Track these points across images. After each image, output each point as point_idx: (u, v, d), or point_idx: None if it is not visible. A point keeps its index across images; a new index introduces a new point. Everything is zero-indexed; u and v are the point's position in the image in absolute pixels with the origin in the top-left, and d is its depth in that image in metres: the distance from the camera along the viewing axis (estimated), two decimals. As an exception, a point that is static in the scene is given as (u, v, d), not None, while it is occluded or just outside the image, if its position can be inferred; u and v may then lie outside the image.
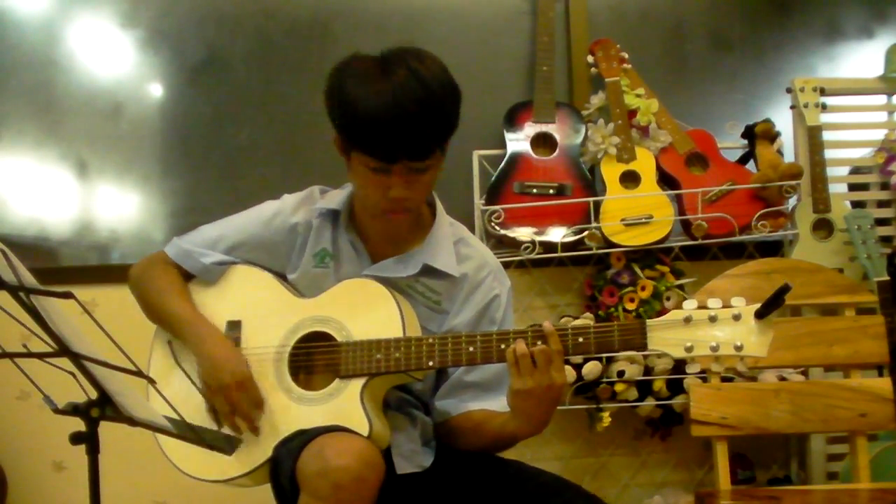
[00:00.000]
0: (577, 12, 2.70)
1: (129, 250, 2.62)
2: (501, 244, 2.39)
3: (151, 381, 1.40)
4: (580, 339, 1.41)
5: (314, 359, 1.56)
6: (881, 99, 2.64)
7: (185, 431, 1.35)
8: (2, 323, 1.14)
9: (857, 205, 2.54)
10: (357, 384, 1.49)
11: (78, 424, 1.23)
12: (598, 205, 2.39)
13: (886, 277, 2.23)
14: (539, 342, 1.41)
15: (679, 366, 2.31)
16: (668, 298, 2.42)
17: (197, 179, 2.66)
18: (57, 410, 1.24)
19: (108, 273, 2.55)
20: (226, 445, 1.49)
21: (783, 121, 2.56)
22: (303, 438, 1.41)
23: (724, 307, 1.36)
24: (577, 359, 2.29)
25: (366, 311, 1.54)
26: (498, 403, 1.58)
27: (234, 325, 1.62)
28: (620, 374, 2.34)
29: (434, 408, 1.64)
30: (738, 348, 1.33)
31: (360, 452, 1.35)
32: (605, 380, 2.35)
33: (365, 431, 1.44)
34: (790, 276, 2.02)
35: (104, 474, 1.25)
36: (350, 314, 1.55)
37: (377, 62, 1.47)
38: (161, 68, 2.68)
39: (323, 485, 1.31)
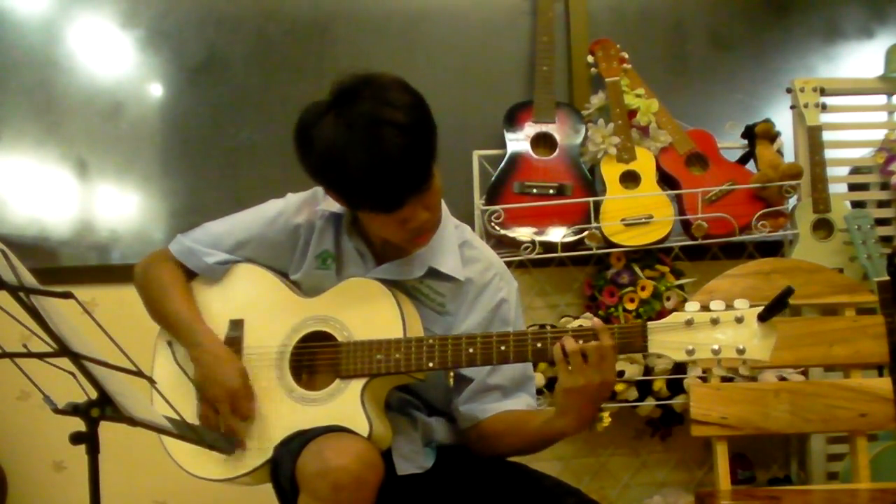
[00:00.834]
0: (577, 12, 2.69)
1: (129, 250, 2.62)
2: (501, 244, 2.39)
3: (151, 381, 1.40)
4: (580, 342, 1.41)
5: (315, 358, 1.56)
6: (881, 99, 2.64)
7: (186, 431, 1.35)
8: (2, 323, 1.14)
9: (857, 205, 2.54)
10: (358, 384, 1.49)
11: (78, 424, 1.23)
12: (598, 205, 2.39)
13: (886, 277, 2.23)
14: (581, 341, 1.38)
15: (679, 366, 2.31)
16: (668, 298, 2.42)
17: (197, 179, 2.66)
18: (57, 410, 1.24)
19: (108, 273, 2.55)
20: (226, 445, 1.49)
21: (783, 121, 2.56)
22: (303, 439, 1.40)
23: (726, 309, 1.34)
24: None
25: (367, 311, 1.54)
26: (523, 402, 1.59)
27: (237, 324, 1.62)
28: (620, 374, 2.34)
29: (459, 414, 1.62)
30: (741, 351, 1.32)
31: (360, 453, 1.35)
32: (605, 380, 2.35)
33: (365, 432, 1.44)
34: (790, 276, 2.02)
35: (104, 474, 1.25)
36: (351, 314, 1.55)
37: (338, 116, 1.39)
38: (161, 68, 2.68)
39: (322, 485, 1.31)
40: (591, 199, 2.40)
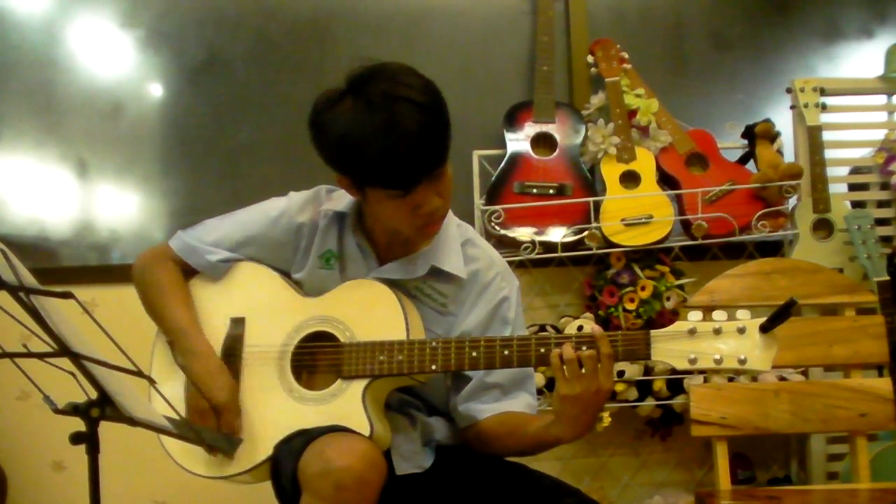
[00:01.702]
0: (577, 12, 2.70)
1: (129, 250, 2.62)
2: (501, 244, 2.39)
3: (151, 381, 1.40)
4: (584, 348, 1.41)
5: (317, 358, 1.56)
6: (881, 99, 2.64)
7: (186, 431, 1.35)
8: (2, 323, 1.14)
9: (857, 205, 2.54)
10: (359, 385, 1.49)
11: (78, 424, 1.23)
12: (598, 205, 2.39)
13: (886, 277, 2.23)
14: (584, 347, 1.38)
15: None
16: (668, 298, 2.42)
17: (197, 179, 2.66)
18: (57, 410, 1.24)
19: (108, 273, 2.55)
20: (226, 445, 1.49)
21: (783, 121, 2.56)
22: (304, 438, 1.40)
23: (729, 320, 1.37)
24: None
25: (370, 312, 1.54)
26: (522, 402, 1.59)
27: (238, 322, 1.62)
28: (620, 374, 2.34)
29: (457, 413, 1.63)
30: (742, 361, 1.35)
31: (363, 453, 1.35)
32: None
33: (366, 433, 1.44)
34: (790, 276, 2.02)
35: (104, 474, 1.25)
36: (354, 315, 1.55)
37: (356, 98, 1.41)
38: (161, 68, 2.68)
39: (325, 485, 1.31)
40: (591, 199, 2.40)
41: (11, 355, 1.21)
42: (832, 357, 2.00)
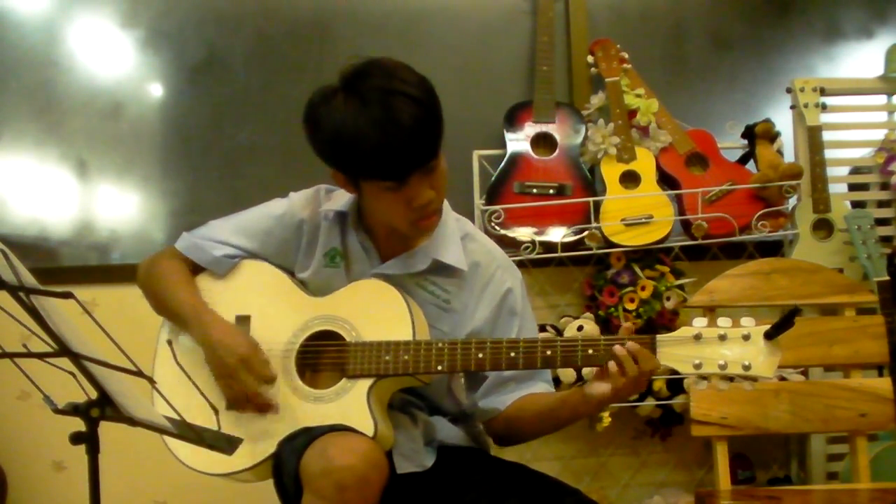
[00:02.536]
0: (577, 12, 2.70)
1: (129, 250, 2.62)
2: (501, 244, 2.35)
3: (151, 381, 1.39)
4: (590, 352, 1.42)
5: (322, 357, 1.56)
6: (881, 99, 2.64)
7: (186, 431, 1.35)
8: (2, 323, 1.14)
9: (857, 205, 2.54)
10: (364, 384, 1.49)
11: (78, 424, 1.23)
12: (598, 205, 2.39)
13: (886, 277, 2.23)
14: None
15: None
16: (668, 298, 2.42)
17: (197, 179, 2.66)
18: (57, 410, 1.24)
19: (108, 273, 2.55)
20: (226, 445, 1.49)
21: (783, 121, 2.56)
22: (307, 437, 1.41)
23: (734, 327, 1.39)
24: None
25: (376, 312, 1.54)
26: (540, 387, 1.62)
27: (243, 320, 1.62)
28: (620, 374, 2.34)
29: (478, 409, 1.65)
30: (746, 367, 1.37)
31: (365, 453, 1.35)
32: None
33: (370, 432, 1.44)
34: (790, 276, 2.03)
35: (104, 474, 1.25)
36: (360, 315, 1.55)
37: (350, 93, 1.42)
38: (161, 68, 2.68)
39: (326, 484, 1.31)
40: (591, 199, 2.40)
41: (11, 355, 1.21)
42: (832, 357, 2.00)
